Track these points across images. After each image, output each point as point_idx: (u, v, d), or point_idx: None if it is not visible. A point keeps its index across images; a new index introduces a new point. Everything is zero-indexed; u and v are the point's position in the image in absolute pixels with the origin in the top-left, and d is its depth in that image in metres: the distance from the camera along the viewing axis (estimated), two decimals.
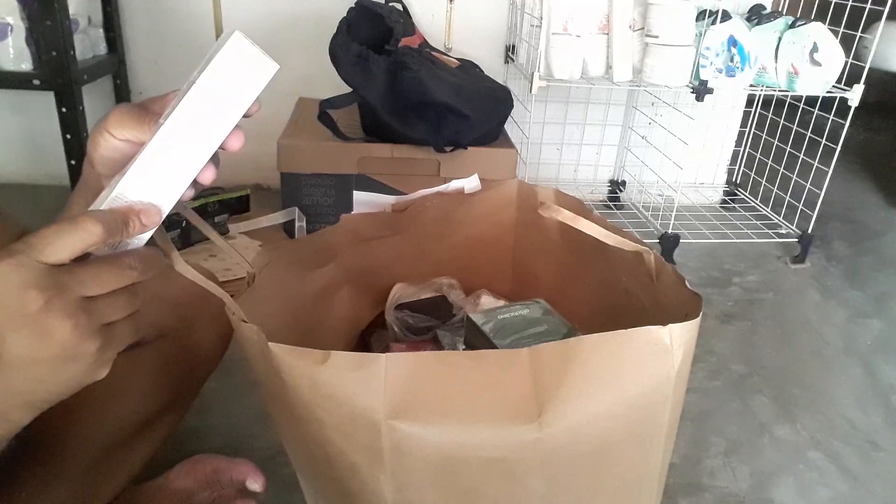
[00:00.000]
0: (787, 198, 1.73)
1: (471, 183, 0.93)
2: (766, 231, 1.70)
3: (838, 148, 1.53)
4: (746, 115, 1.93)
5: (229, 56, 0.44)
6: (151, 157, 0.44)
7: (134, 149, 0.46)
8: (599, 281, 0.81)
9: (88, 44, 1.53)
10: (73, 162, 1.40)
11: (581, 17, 1.44)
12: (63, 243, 0.39)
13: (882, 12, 1.51)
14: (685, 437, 1.01)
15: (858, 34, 1.54)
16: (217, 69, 0.44)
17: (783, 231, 1.70)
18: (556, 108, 1.85)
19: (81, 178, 0.50)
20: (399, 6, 1.63)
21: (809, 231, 1.61)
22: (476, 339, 0.71)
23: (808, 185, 1.63)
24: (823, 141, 1.58)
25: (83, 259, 0.41)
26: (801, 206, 1.66)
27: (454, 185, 0.92)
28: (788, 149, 1.76)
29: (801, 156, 1.69)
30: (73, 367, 0.40)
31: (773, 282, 1.55)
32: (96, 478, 0.63)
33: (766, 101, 1.68)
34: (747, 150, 1.95)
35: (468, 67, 1.57)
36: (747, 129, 1.94)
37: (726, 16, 1.45)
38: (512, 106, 1.49)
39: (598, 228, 0.69)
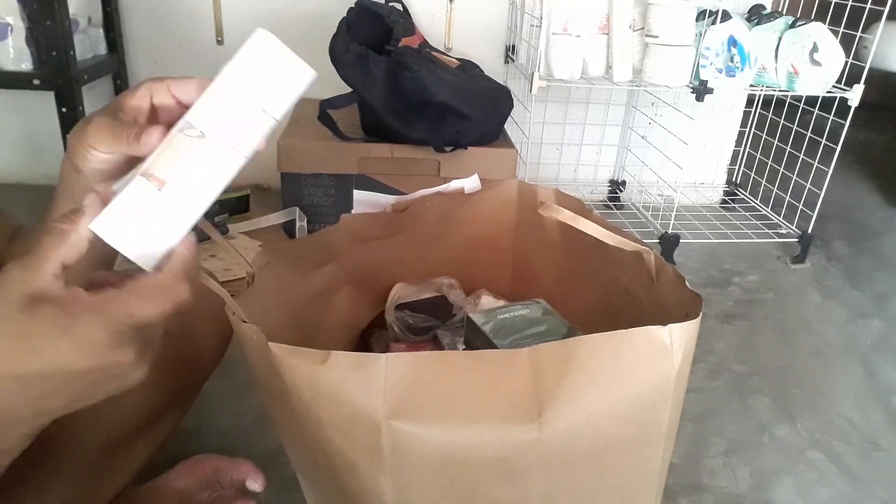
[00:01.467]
0: (787, 198, 1.73)
1: (471, 183, 0.93)
2: (766, 231, 1.70)
3: (838, 148, 1.53)
4: (746, 115, 1.93)
5: (255, 53, 0.43)
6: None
7: (123, 157, 0.45)
8: (599, 281, 0.81)
9: (88, 44, 1.53)
10: None
11: (581, 17, 1.44)
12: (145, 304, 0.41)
13: (882, 12, 1.51)
14: (685, 437, 1.01)
15: (858, 34, 1.54)
16: (241, 67, 0.43)
17: (783, 231, 1.70)
18: (556, 108, 1.85)
19: (63, 183, 0.49)
20: (399, 6, 1.63)
21: (809, 231, 1.61)
22: (476, 339, 0.71)
23: (808, 185, 1.63)
24: (823, 141, 1.58)
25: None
26: (801, 206, 1.66)
27: (454, 185, 0.92)
28: (788, 149, 1.76)
29: (801, 156, 1.69)
30: (112, 380, 0.41)
31: (773, 282, 1.55)
32: (97, 477, 0.63)
33: (766, 101, 1.68)
34: (747, 150, 1.95)
35: (468, 67, 1.57)
36: (747, 129, 1.94)
37: (726, 16, 1.45)
38: (512, 106, 1.49)
39: (598, 228, 0.69)
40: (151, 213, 0.42)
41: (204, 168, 0.43)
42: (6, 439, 0.40)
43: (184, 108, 0.45)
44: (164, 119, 0.46)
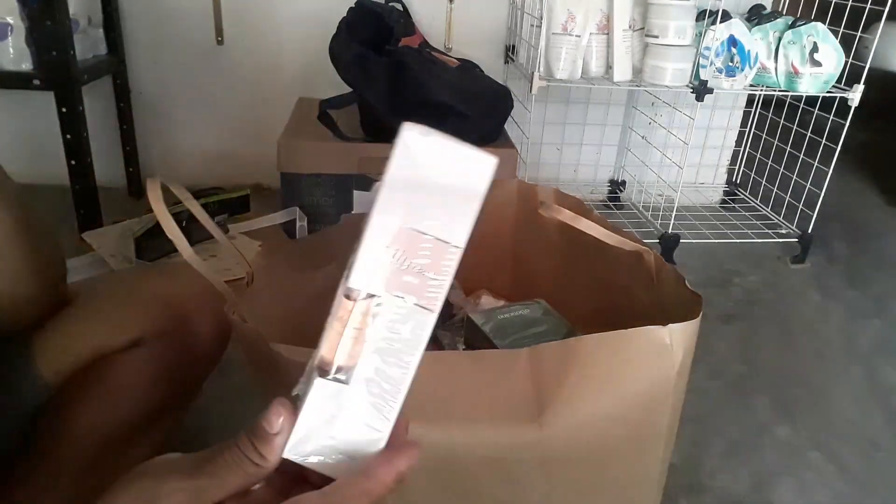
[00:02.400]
0: (787, 198, 1.73)
1: None
2: (766, 231, 1.70)
3: (838, 148, 1.53)
4: (746, 115, 1.93)
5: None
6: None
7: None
8: (599, 281, 0.81)
9: (88, 44, 1.53)
10: (73, 162, 1.40)
11: (581, 17, 1.44)
12: None
13: (882, 12, 1.50)
14: (685, 437, 1.01)
15: (858, 34, 1.54)
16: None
17: (783, 231, 1.70)
18: (556, 108, 1.85)
19: None
20: (399, 6, 1.63)
21: (809, 231, 1.61)
22: (476, 339, 0.71)
23: (808, 186, 1.63)
24: (823, 141, 1.58)
25: None
26: (801, 207, 1.66)
27: None
28: (788, 149, 1.76)
29: (801, 156, 1.69)
30: None
31: (773, 282, 1.55)
32: (97, 477, 0.63)
33: (766, 101, 1.68)
34: (747, 150, 1.95)
35: (468, 67, 1.57)
36: (747, 129, 1.94)
37: (726, 16, 1.45)
38: (512, 106, 1.49)
39: (598, 228, 0.69)
40: (349, 416, 0.33)
41: (386, 338, 0.34)
42: None
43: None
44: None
